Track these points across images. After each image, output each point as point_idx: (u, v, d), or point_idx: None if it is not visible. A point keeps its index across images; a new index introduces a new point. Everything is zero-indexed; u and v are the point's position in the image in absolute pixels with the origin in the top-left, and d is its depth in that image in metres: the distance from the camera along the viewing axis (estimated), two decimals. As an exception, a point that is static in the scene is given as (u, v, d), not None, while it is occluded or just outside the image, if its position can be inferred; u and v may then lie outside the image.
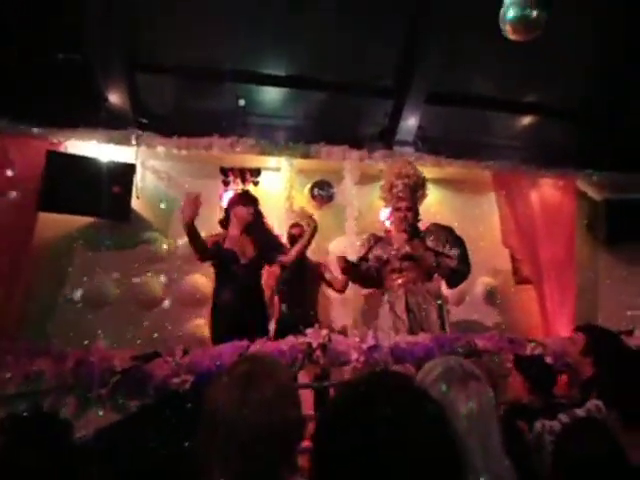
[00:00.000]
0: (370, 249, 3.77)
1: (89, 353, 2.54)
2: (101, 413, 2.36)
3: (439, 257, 3.55)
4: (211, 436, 1.09)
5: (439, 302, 3.56)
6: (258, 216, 3.59)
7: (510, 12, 3.21)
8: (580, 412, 1.83)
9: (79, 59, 4.23)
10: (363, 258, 3.75)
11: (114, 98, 4.52)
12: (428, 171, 4.97)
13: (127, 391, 2.37)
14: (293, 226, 4.17)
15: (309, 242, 3.68)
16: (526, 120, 5.64)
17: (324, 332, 2.69)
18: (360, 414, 0.77)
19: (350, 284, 4.06)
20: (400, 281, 3.60)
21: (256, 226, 3.55)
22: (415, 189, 3.66)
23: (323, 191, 4.73)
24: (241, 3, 4.26)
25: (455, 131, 5.33)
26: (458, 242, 3.65)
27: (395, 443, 0.72)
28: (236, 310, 3.33)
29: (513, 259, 5.11)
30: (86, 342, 2.89)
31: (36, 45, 4.10)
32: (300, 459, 1.28)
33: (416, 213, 3.71)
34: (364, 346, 2.69)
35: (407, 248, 3.60)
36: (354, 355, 2.64)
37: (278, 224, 4.49)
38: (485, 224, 5.09)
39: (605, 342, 2.60)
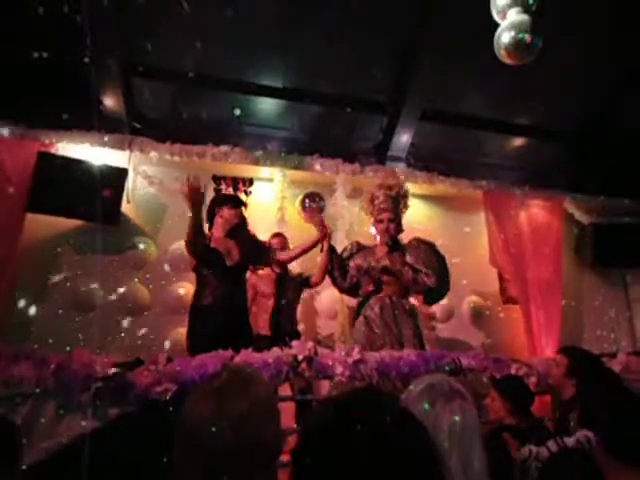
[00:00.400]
0: (351, 256, 3.71)
1: (71, 358, 2.51)
2: (81, 420, 2.32)
3: (417, 274, 3.51)
4: (186, 448, 1.08)
5: (415, 320, 3.51)
6: (243, 220, 3.51)
7: (505, 36, 3.27)
8: (569, 441, 1.83)
9: (74, 61, 4.22)
10: (342, 264, 3.68)
11: (109, 102, 4.51)
12: (419, 187, 5.05)
13: (108, 398, 2.33)
14: (274, 236, 4.13)
15: (312, 247, 3.55)
16: (517, 141, 5.72)
17: (310, 345, 2.68)
18: (339, 432, 0.77)
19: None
20: (377, 295, 3.54)
21: (242, 229, 3.46)
22: (397, 200, 3.62)
23: (314, 203, 4.75)
24: (239, 14, 4.29)
25: (447, 149, 5.39)
26: (438, 259, 3.60)
27: (374, 461, 0.72)
28: (218, 315, 3.20)
29: (500, 278, 5.15)
30: (68, 347, 2.85)
31: (32, 47, 4.08)
32: (280, 474, 1.27)
33: (398, 225, 3.65)
34: (349, 360, 2.69)
35: (387, 261, 3.56)
36: (339, 369, 2.64)
37: (269, 235, 4.50)
38: (474, 242, 5.14)
39: (587, 364, 2.64)
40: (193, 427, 1.08)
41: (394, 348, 3.18)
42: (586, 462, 1.49)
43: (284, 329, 3.86)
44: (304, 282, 3.99)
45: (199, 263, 3.34)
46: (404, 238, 3.84)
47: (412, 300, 3.70)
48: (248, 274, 3.74)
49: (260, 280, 4.03)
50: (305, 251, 3.58)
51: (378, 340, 3.36)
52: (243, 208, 3.53)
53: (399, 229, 3.67)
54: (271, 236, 4.14)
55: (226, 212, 3.42)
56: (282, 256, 3.61)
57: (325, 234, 3.50)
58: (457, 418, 1.18)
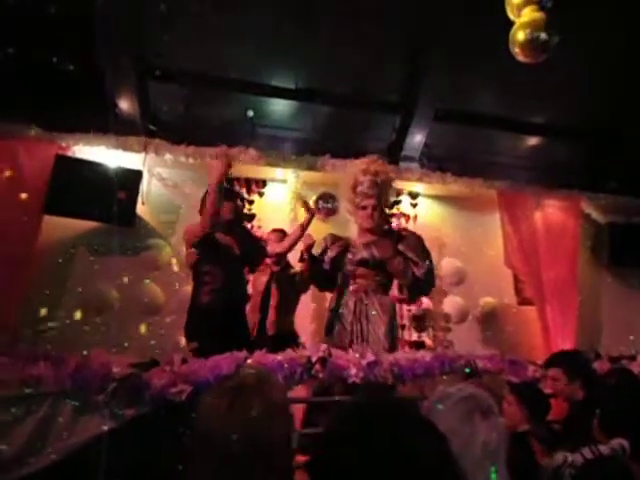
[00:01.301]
0: (325, 250, 3.49)
1: (88, 359, 2.53)
2: (97, 420, 2.34)
3: (407, 263, 3.28)
4: (199, 448, 1.08)
5: (391, 317, 3.28)
6: (239, 215, 3.44)
7: (520, 34, 3.24)
8: (604, 449, 1.81)
9: (91, 64, 4.27)
10: (318, 259, 3.48)
11: (124, 104, 4.56)
12: (433, 188, 5.03)
13: (124, 399, 2.35)
14: (273, 231, 4.01)
15: (303, 232, 3.44)
16: (532, 140, 5.66)
17: (324, 346, 2.67)
18: (360, 443, 0.76)
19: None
20: (351, 288, 3.34)
21: (237, 225, 3.38)
22: (383, 187, 3.38)
23: (327, 204, 4.75)
24: (253, 16, 4.31)
25: (461, 149, 5.36)
26: (426, 253, 3.39)
27: (394, 472, 0.72)
28: (217, 314, 3.13)
29: (515, 279, 5.10)
30: (85, 348, 2.88)
31: (48, 51, 4.14)
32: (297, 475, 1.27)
33: (383, 214, 3.43)
34: (364, 362, 2.67)
35: (366, 253, 3.35)
36: (353, 370, 2.62)
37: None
38: (488, 243, 5.09)
39: (579, 361, 2.68)
40: (206, 426, 1.08)
41: (362, 346, 2.96)
42: (621, 470, 1.47)
43: (281, 330, 3.80)
44: (301, 282, 3.87)
45: (204, 258, 3.22)
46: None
47: (395, 295, 3.49)
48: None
49: (256, 278, 3.96)
50: (298, 237, 3.46)
51: (347, 337, 3.17)
52: (240, 203, 3.45)
53: (385, 218, 3.48)
54: (270, 231, 4.04)
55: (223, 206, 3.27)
56: (277, 249, 3.52)
57: (313, 214, 3.47)
58: (494, 435, 1.18)
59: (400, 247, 3.34)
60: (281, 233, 3.94)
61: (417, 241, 3.41)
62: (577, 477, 1.51)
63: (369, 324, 3.22)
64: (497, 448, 1.18)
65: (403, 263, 3.29)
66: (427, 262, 3.31)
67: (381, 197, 3.37)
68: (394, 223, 4.93)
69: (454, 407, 1.22)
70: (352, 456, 0.74)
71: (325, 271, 3.44)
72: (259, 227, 4.66)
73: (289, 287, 3.92)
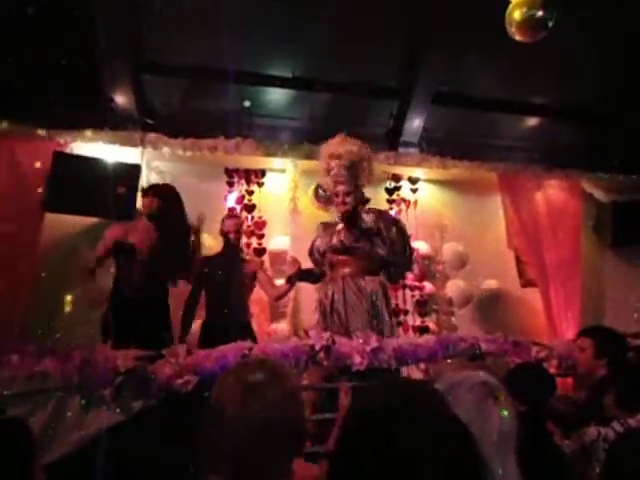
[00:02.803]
0: (315, 240, 3.49)
1: (94, 353, 2.55)
2: (105, 413, 2.37)
3: (372, 247, 3.22)
4: (212, 434, 1.10)
5: (373, 304, 3.17)
6: (168, 210, 3.49)
7: (516, 13, 3.21)
8: (633, 422, 1.83)
9: (85, 60, 4.25)
10: (306, 272, 3.49)
11: (120, 99, 4.54)
12: (433, 172, 5.01)
13: (131, 391, 2.37)
14: (229, 217, 3.95)
15: (291, 287, 3.60)
16: (532, 121, 5.61)
17: (327, 334, 2.69)
18: (383, 430, 0.76)
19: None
20: (328, 277, 3.32)
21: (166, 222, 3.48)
22: (353, 169, 3.25)
23: (327, 192, 4.73)
24: (246, 4, 4.27)
25: (460, 132, 5.32)
26: (399, 232, 3.31)
27: (418, 460, 0.72)
28: (133, 308, 3.28)
29: (518, 261, 5.09)
30: (91, 343, 2.91)
31: (42, 46, 4.12)
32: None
33: (358, 198, 3.31)
34: (367, 348, 2.69)
35: (335, 240, 3.29)
36: (357, 358, 2.64)
37: (283, 225, 4.50)
38: (490, 226, 5.08)
39: (613, 341, 2.60)
40: (221, 413, 1.10)
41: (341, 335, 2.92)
42: None
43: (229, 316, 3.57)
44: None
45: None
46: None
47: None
48: None
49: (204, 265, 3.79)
50: (287, 291, 3.68)
51: (327, 327, 3.13)
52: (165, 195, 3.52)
53: (361, 201, 3.36)
54: (226, 216, 3.97)
55: (144, 201, 3.55)
56: (274, 292, 3.71)
57: (299, 268, 3.41)
58: (507, 420, 1.19)
59: (371, 230, 3.26)
60: (234, 218, 3.93)
61: (385, 222, 3.31)
62: (612, 450, 1.51)
63: (347, 312, 3.16)
64: (510, 434, 1.19)
65: (369, 247, 3.23)
66: (396, 241, 3.24)
67: (354, 180, 3.25)
68: (394, 209, 4.93)
69: (467, 394, 1.22)
70: (373, 450, 0.74)
71: (318, 274, 3.44)
72: (260, 217, 4.66)
73: (226, 279, 3.74)
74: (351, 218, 3.29)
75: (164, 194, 3.60)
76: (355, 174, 3.26)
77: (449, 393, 1.22)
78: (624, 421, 1.86)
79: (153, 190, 3.63)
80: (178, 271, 3.60)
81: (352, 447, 0.78)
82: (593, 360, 2.57)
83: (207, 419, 1.13)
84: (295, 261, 3.43)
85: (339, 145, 3.29)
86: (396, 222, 3.45)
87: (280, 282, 3.85)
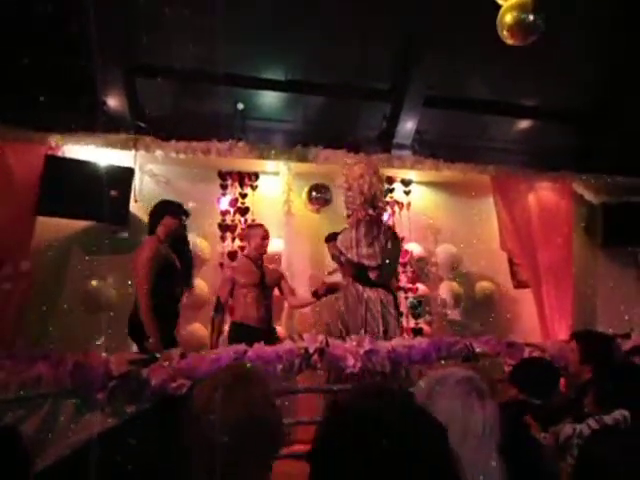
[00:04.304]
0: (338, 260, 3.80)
1: (87, 357, 2.54)
2: (99, 418, 2.36)
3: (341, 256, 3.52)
4: (192, 438, 1.12)
5: (369, 308, 3.39)
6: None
7: (507, 17, 3.23)
8: (608, 419, 1.85)
9: (77, 63, 4.23)
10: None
11: (112, 102, 4.52)
12: (426, 174, 5.03)
13: (124, 396, 2.36)
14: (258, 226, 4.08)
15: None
16: (524, 123, 5.65)
17: (321, 337, 2.69)
18: (355, 435, 0.77)
19: None
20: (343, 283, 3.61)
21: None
22: (369, 194, 3.54)
23: (321, 194, 4.74)
24: (239, 7, 4.27)
25: (453, 134, 5.34)
26: (386, 241, 3.53)
27: (397, 460, 0.73)
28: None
29: (511, 263, 5.12)
30: (83, 347, 2.89)
31: (35, 49, 4.10)
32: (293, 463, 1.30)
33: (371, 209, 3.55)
34: (361, 350, 2.70)
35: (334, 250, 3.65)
36: (351, 360, 2.64)
37: (276, 228, 4.51)
38: (483, 228, 5.11)
39: (600, 348, 2.64)
40: (199, 417, 1.13)
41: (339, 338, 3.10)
42: (626, 438, 1.50)
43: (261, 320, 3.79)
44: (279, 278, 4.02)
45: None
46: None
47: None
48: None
49: (238, 271, 3.91)
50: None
51: (335, 331, 3.38)
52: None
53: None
54: (251, 226, 4.13)
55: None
56: (294, 302, 3.96)
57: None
58: (491, 416, 1.20)
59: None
60: (260, 227, 4.00)
61: (366, 229, 3.50)
62: (584, 447, 1.53)
63: (349, 316, 3.42)
64: (493, 428, 1.20)
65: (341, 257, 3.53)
66: (381, 254, 3.44)
67: (365, 205, 3.47)
68: (388, 211, 4.95)
69: (451, 390, 1.23)
70: (347, 451, 0.75)
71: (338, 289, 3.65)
72: (253, 220, 4.66)
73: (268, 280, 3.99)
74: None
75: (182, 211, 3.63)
76: (367, 199, 3.53)
77: (433, 390, 1.24)
78: (599, 418, 1.88)
79: (176, 209, 3.60)
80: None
81: (327, 447, 0.79)
82: (579, 364, 2.62)
83: (188, 423, 1.16)
84: (323, 282, 3.76)
85: (359, 169, 3.63)
86: (374, 229, 3.62)
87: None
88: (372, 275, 3.41)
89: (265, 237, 3.90)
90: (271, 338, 3.49)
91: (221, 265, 4.41)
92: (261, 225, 4.04)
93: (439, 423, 0.84)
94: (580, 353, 2.61)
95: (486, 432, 1.18)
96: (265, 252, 3.94)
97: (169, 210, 3.51)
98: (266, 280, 3.87)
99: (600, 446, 1.41)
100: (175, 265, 3.47)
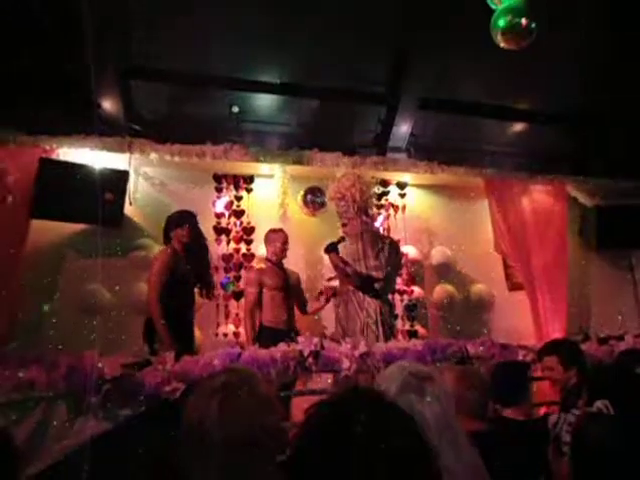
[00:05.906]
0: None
1: (80, 361, 2.53)
2: (92, 421, 2.35)
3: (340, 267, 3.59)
4: (191, 445, 1.11)
5: (367, 313, 3.52)
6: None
7: (500, 21, 3.25)
8: (590, 409, 1.87)
9: (72, 65, 4.23)
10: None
11: (107, 105, 4.52)
12: (421, 177, 5.05)
13: (118, 399, 2.35)
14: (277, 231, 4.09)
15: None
16: (518, 127, 5.69)
17: (315, 339, 2.69)
18: (339, 429, 0.77)
19: None
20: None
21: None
22: (360, 205, 3.72)
23: (316, 198, 4.75)
24: (234, 11, 4.28)
25: (447, 138, 5.37)
26: (384, 250, 3.65)
27: (374, 457, 0.73)
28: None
29: (505, 265, 5.14)
30: (77, 350, 2.87)
31: (30, 51, 4.09)
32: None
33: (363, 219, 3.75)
34: (356, 353, 2.70)
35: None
36: (346, 363, 2.65)
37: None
38: (477, 230, 5.13)
39: (576, 350, 2.73)
40: (197, 424, 1.11)
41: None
42: (611, 423, 1.52)
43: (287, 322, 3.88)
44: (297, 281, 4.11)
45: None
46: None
47: None
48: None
49: (265, 274, 3.97)
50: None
51: (337, 336, 3.49)
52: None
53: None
54: (272, 230, 4.09)
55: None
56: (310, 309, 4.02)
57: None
58: (435, 403, 1.19)
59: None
60: (281, 232, 4.02)
61: (372, 242, 3.64)
62: (575, 431, 1.54)
63: (349, 323, 3.55)
64: (445, 416, 1.19)
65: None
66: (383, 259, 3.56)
67: (359, 213, 3.64)
68: (383, 214, 4.96)
69: (391, 385, 1.23)
70: (320, 456, 0.76)
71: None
72: (248, 223, 4.66)
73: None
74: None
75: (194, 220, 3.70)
76: (359, 209, 3.71)
77: (380, 386, 1.24)
78: (583, 407, 1.91)
79: (180, 220, 3.67)
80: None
81: (301, 453, 0.79)
82: (564, 374, 2.63)
83: (183, 431, 1.15)
84: (329, 287, 3.85)
85: (348, 184, 3.75)
86: (380, 240, 3.80)
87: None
88: (377, 286, 3.53)
89: (285, 242, 3.95)
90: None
91: (216, 268, 4.40)
92: (281, 230, 4.07)
93: (410, 417, 0.84)
94: (561, 362, 2.63)
95: (437, 422, 1.16)
96: (285, 256, 4.00)
97: (175, 222, 3.63)
98: (290, 282, 3.97)
99: (594, 425, 1.43)
100: (187, 274, 3.59)
